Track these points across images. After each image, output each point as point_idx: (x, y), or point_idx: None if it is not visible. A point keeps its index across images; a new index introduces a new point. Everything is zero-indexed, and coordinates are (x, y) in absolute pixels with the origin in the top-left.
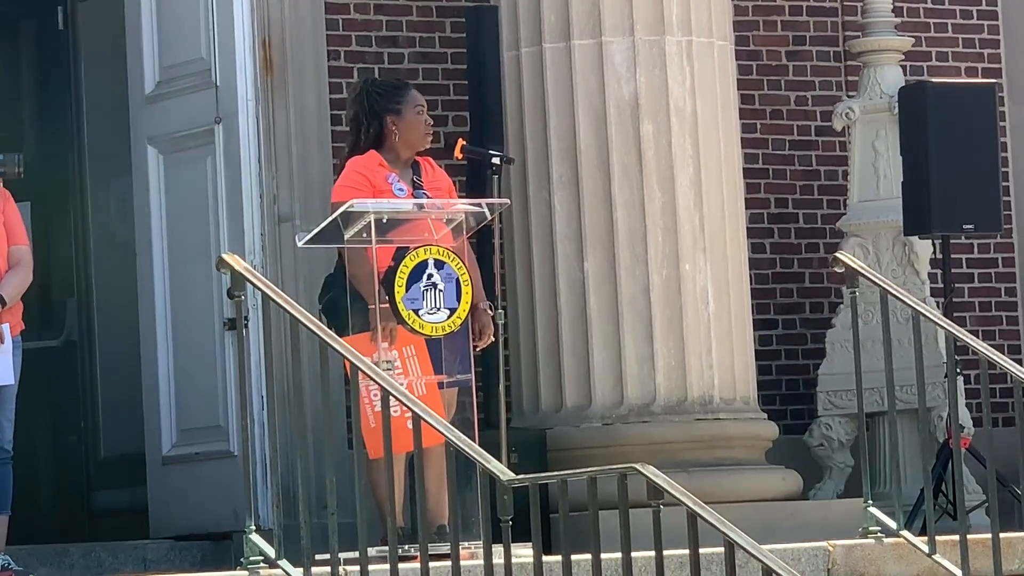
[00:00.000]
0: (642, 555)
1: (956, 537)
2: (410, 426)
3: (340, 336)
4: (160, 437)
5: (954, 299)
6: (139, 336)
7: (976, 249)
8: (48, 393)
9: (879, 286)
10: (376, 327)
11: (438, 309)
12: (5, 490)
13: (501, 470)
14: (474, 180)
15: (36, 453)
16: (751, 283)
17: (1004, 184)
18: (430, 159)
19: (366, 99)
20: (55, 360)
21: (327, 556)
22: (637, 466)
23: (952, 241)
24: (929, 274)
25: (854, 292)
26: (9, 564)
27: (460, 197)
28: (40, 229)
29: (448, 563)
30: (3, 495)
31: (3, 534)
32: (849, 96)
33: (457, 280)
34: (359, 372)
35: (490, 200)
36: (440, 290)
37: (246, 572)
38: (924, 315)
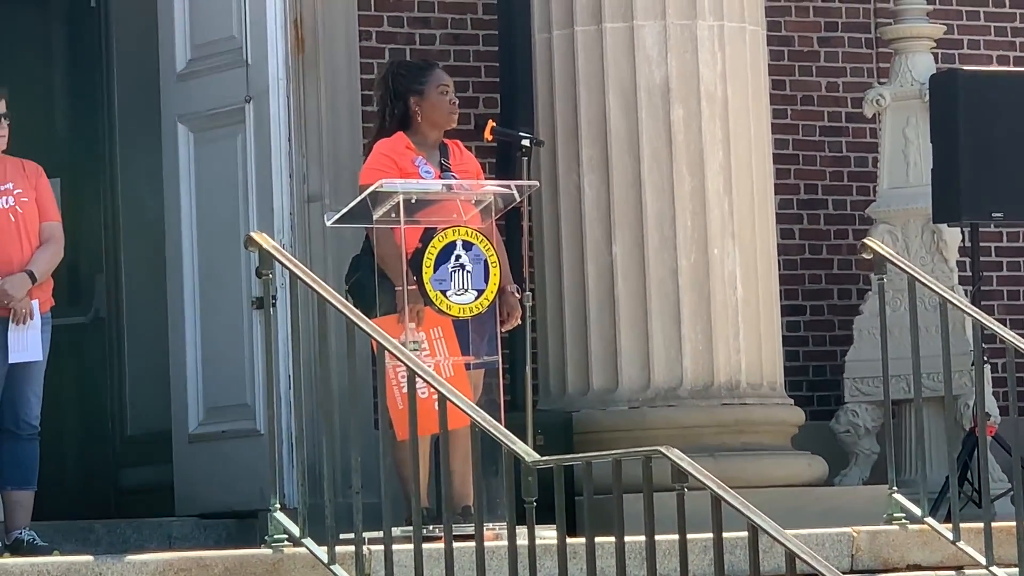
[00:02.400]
0: (666, 538)
1: (981, 525)
2: (437, 407)
3: (368, 316)
4: (187, 415)
5: (982, 287)
6: (167, 314)
7: (1005, 237)
8: (76, 370)
9: (907, 273)
10: (403, 308)
11: (466, 290)
12: (31, 466)
13: (526, 451)
14: (504, 162)
15: (63, 430)
16: (780, 269)
17: None
18: (458, 142)
19: (391, 80)
20: (83, 337)
21: (351, 535)
22: (662, 449)
23: (981, 229)
24: (957, 262)
25: (882, 279)
26: (34, 539)
27: (489, 179)
28: (70, 206)
29: (472, 544)
30: (29, 471)
31: (29, 509)
32: (880, 83)
33: (485, 261)
34: (385, 352)
35: (519, 182)
36: (468, 271)
37: (270, 550)
38: (951, 303)
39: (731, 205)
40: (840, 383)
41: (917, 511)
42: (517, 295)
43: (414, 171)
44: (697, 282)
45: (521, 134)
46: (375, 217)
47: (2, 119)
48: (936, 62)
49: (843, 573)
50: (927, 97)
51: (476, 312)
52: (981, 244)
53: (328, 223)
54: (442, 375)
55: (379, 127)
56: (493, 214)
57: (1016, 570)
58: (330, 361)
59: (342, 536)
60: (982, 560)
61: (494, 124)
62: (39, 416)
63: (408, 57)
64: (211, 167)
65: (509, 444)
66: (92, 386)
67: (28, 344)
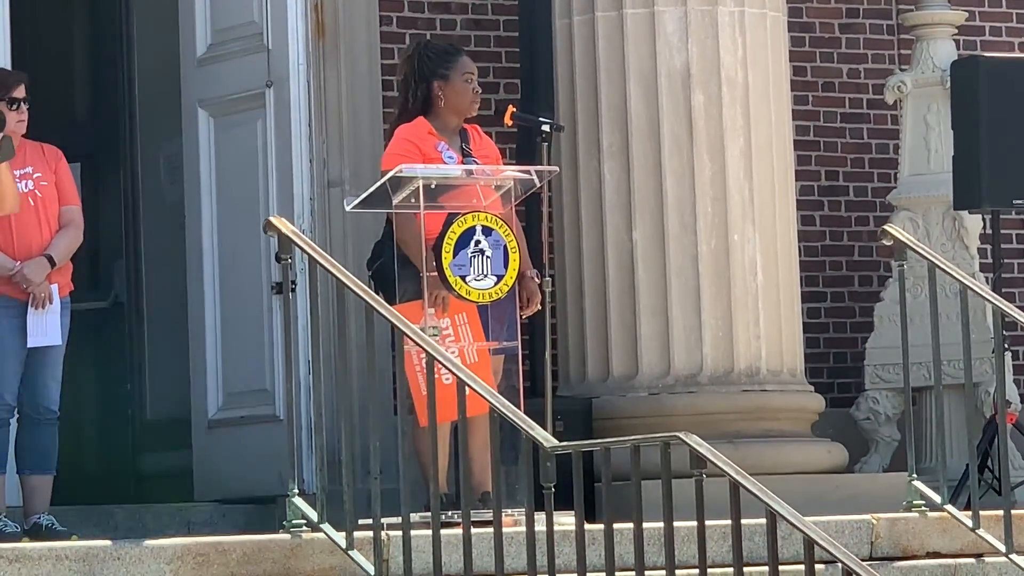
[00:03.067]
0: (684, 525)
1: (1000, 512)
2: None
3: (390, 303)
4: (206, 400)
5: (1003, 275)
6: (187, 299)
7: None
8: (95, 355)
9: (927, 259)
10: (423, 294)
11: (485, 276)
12: (50, 451)
13: (545, 437)
14: (524, 147)
15: (83, 414)
16: (800, 255)
17: None
18: (477, 127)
19: (416, 62)
20: (103, 322)
21: (370, 521)
22: (680, 435)
23: (1002, 216)
24: (979, 249)
25: (902, 265)
26: (53, 524)
27: (509, 164)
28: (90, 191)
29: (490, 529)
30: (49, 455)
31: (48, 494)
32: (901, 69)
33: (504, 247)
34: (408, 338)
35: (539, 167)
36: (488, 256)
37: (288, 535)
38: (972, 289)
39: (751, 191)
40: (861, 370)
41: (937, 498)
42: (537, 280)
43: (437, 156)
44: (717, 268)
45: (541, 119)
46: (395, 202)
47: (21, 104)
48: (958, 49)
49: (862, 560)
50: (948, 84)
51: (495, 298)
52: (1002, 231)
53: (348, 208)
54: (466, 361)
55: (401, 107)
56: (513, 199)
57: None
58: (349, 346)
59: (360, 522)
60: (1002, 548)
61: (514, 109)
62: (58, 401)
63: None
64: (231, 152)
65: (527, 430)
66: (111, 371)
67: (47, 328)
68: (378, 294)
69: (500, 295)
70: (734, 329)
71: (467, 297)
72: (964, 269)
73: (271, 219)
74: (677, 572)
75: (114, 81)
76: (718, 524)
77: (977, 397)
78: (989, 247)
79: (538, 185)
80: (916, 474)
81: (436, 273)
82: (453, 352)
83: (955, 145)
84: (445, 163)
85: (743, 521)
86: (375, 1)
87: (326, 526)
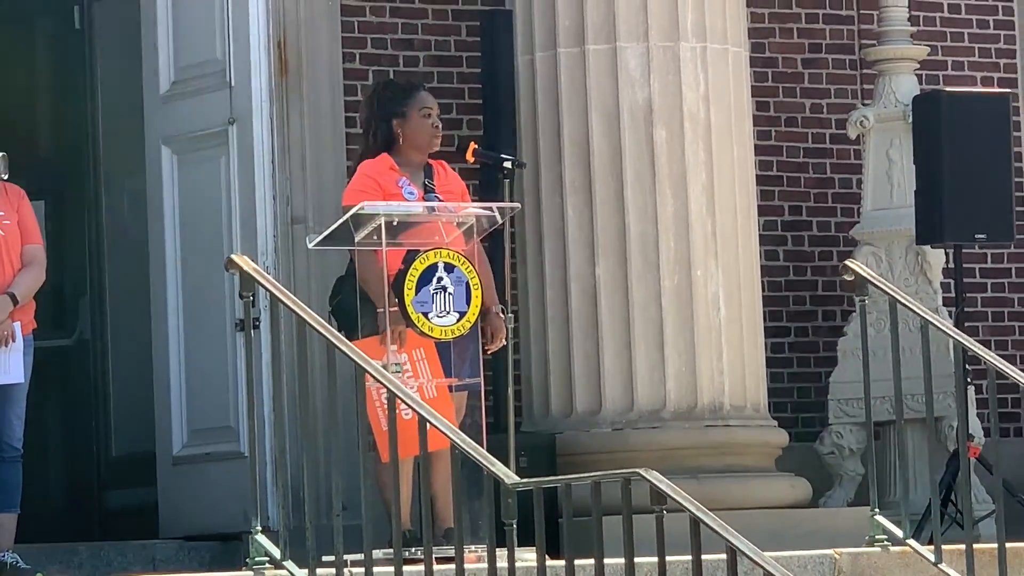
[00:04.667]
0: (646, 560)
1: (963, 547)
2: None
3: (351, 339)
4: (171, 437)
5: (966, 308)
6: (151, 336)
7: (989, 259)
8: (60, 392)
9: (888, 294)
10: (385, 330)
11: (447, 312)
12: (15, 488)
13: (506, 473)
14: (486, 184)
15: (47, 451)
16: (764, 290)
17: (1018, 194)
18: (443, 162)
19: (375, 102)
20: (67, 359)
21: (333, 558)
22: (641, 471)
23: (965, 250)
24: (942, 283)
25: (863, 300)
26: (17, 562)
27: (473, 200)
28: (54, 228)
29: (453, 566)
30: (13, 493)
31: (12, 532)
32: (864, 104)
33: (467, 283)
34: (367, 375)
35: (501, 204)
36: (450, 293)
37: (251, 573)
38: (933, 324)
39: (714, 226)
40: (825, 404)
41: (899, 533)
42: (502, 316)
43: (397, 192)
44: (680, 304)
45: (503, 156)
46: (357, 239)
47: None
48: (920, 83)
49: None
50: (910, 118)
51: (458, 334)
52: (965, 265)
53: (310, 245)
54: (425, 397)
55: (363, 148)
56: (476, 236)
57: None
58: (312, 384)
59: (323, 558)
60: None
61: (476, 146)
62: (22, 438)
63: (394, 80)
64: (195, 189)
65: (489, 466)
66: (76, 408)
67: (10, 367)
68: (339, 330)
69: (463, 331)
70: (697, 364)
71: (429, 334)
72: (927, 303)
73: (233, 257)
74: None
75: (78, 118)
76: (679, 560)
77: (940, 431)
78: (952, 281)
79: (500, 221)
80: (879, 508)
81: (396, 309)
82: (412, 388)
83: (917, 179)
84: (405, 199)
85: (704, 557)
86: (338, 38)
87: (289, 563)
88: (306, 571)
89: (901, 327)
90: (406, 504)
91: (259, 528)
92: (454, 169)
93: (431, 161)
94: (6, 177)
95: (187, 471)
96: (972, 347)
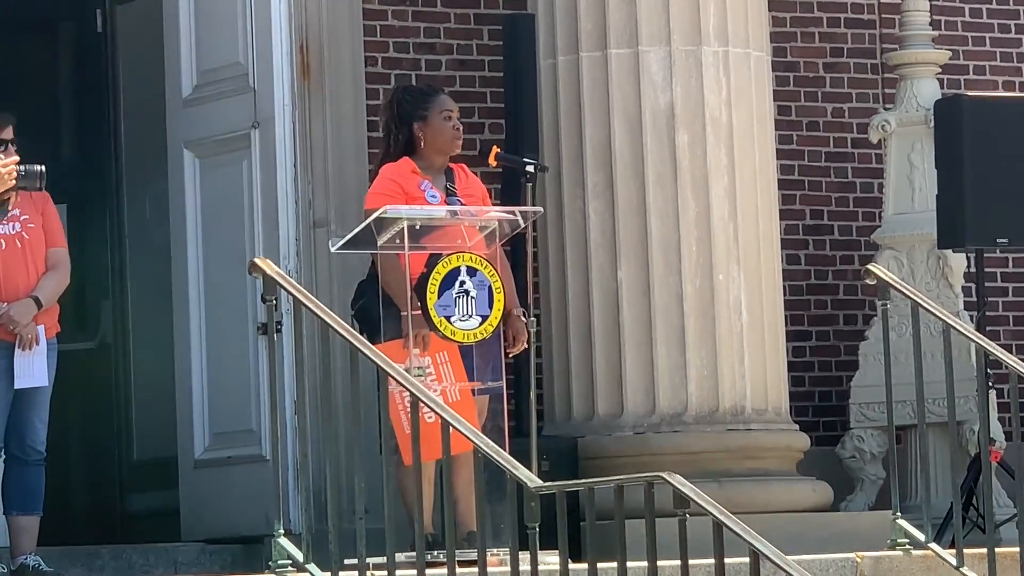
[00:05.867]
0: (668, 564)
1: (984, 551)
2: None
3: (373, 342)
4: (193, 440)
5: (988, 313)
6: (173, 339)
7: (1011, 263)
8: (82, 395)
9: (910, 299)
10: (408, 334)
11: (470, 316)
12: (37, 491)
13: (529, 477)
14: (509, 188)
15: (69, 455)
16: (785, 294)
17: None
18: (464, 166)
19: (396, 106)
20: (89, 363)
21: (355, 561)
22: (663, 475)
23: (986, 255)
24: (963, 287)
25: (885, 304)
26: (40, 565)
27: (494, 204)
28: (76, 232)
29: (475, 570)
30: (35, 496)
31: (35, 535)
32: (886, 108)
33: (489, 287)
34: (389, 378)
35: (524, 208)
36: (472, 297)
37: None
38: (955, 328)
39: (736, 231)
40: (846, 408)
41: (921, 537)
42: (523, 319)
43: (420, 195)
44: (702, 308)
45: (525, 160)
46: (379, 243)
47: (9, 145)
48: (941, 87)
49: None
50: (932, 123)
51: (480, 338)
52: (986, 270)
53: (333, 249)
54: (448, 400)
55: (384, 152)
56: (498, 239)
57: None
58: (334, 387)
59: (346, 562)
60: None
61: (498, 150)
62: (45, 442)
63: (414, 82)
64: (217, 193)
65: (511, 470)
66: (98, 411)
67: (34, 370)
68: (362, 334)
69: (485, 335)
70: (719, 368)
71: (452, 337)
72: (948, 308)
73: (256, 260)
74: None
75: (100, 122)
76: (702, 563)
77: (962, 435)
78: (973, 285)
79: (523, 225)
80: (900, 512)
81: (419, 312)
82: (436, 392)
83: (939, 184)
84: (428, 202)
85: (727, 560)
86: (360, 42)
87: (312, 566)
88: (328, 575)
89: (923, 331)
90: (428, 508)
91: (281, 531)
92: (475, 173)
93: (452, 165)
94: (41, 187)
95: (209, 474)
96: (994, 351)
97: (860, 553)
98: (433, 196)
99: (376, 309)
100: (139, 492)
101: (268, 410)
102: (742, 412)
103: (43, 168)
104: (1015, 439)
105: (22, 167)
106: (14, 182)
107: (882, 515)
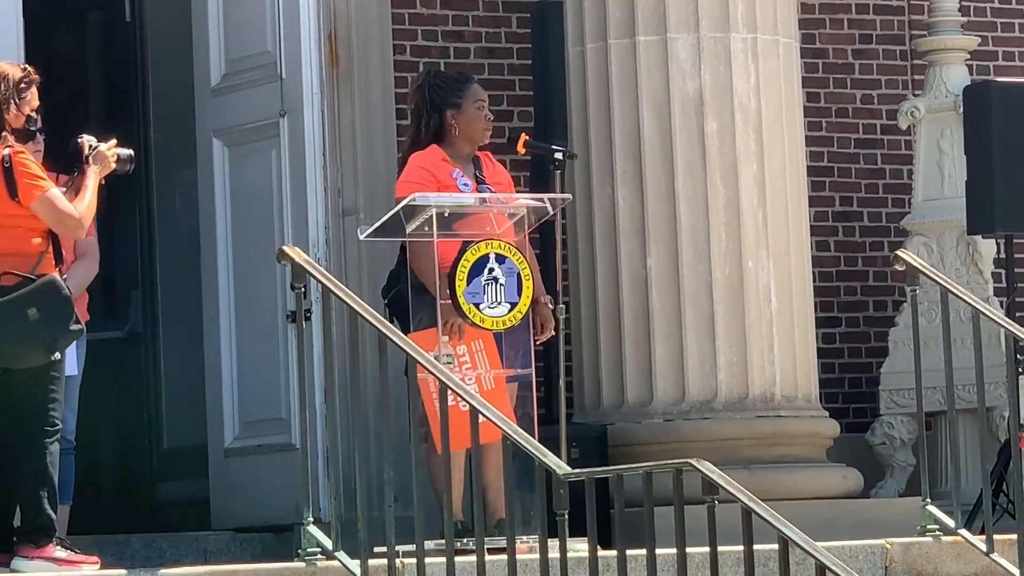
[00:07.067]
0: (697, 551)
1: (1015, 536)
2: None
3: (407, 331)
4: (223, 429)
5: (1017, 298)
6: (203, 328)
7: None
8: (112, 384)
9: (939, 284)
10: (439, 321)
11: (499, 303)
12: (68, 480)
13: (557, 464)
14: (537, 175)
15: (99, 444)
16: (815, 281)
17: None
18: (489, 154)
19: (427, 91)
20: (119, 352)
21: (385, 549)
22: (692, 461)
23: (1016, 240)
24: (993, 273)
25: (914, 290)
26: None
27: (523, 192)
28: (106, 220)
29: (505, 557)
30: (66, 485)
31: (65, 524)
32: (915, 95)
33: (518, 274)
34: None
35: (552, 195)
36: (501, 284)
37: (303, 564)
38: (984, 314)
39: (765, 218)
40: (876, 395)
41: (951, 523)
42: (550, 306)
43: (452, 183)
44: (731, 295)
45: (554, 147)
46: (408, 230)
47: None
48: (970, 74)
49: None
50: (961, 109)
51: (509, 325)
52: (1016, 255)
53: (361, 237)
54: (483, 387)
55: (413, 137)
56: (526, 227)
57: None
58: (363, 375)
59: (375, 549)
60: (1016, 572)
61: (527, 137)
62: (75, 431)
63: (444, 70)
64: (246, 181)
65: (540, 457)
66: (128, 400)
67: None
68: (393, 322)
69: (514, 322)
70: (748, 355)
71: (481, 325)
72: (978, 293)
73: (284, 248)
74: None
75: (129, 112)
76: (731, 550)
77: (991, 421)
78: (1003, 271)
79: (552, 213)
80: (930, 499)
81: (448, 301)
82: (470, 379)
83: (968, 170)
84: (460, 190)
85: (756, 547)
86: (388, 30)
87: (341, 554)
88: (358, 562)
89: (952, 317)
90: (458, 495)
91: (311, 519)
92: (502, 162)
93: (478, 153)
94: (130, 170)
95: (239, 463)
96: (1023, 337)
97: (890, 540)
98: (465, 184)
99: (408, 297)
100: (169, 481)
101: (297, 398)
102: (772, 399)
103: (132, 152)
104: None
105: (120, 151)
106: (115, 165)
107: (912, 501)
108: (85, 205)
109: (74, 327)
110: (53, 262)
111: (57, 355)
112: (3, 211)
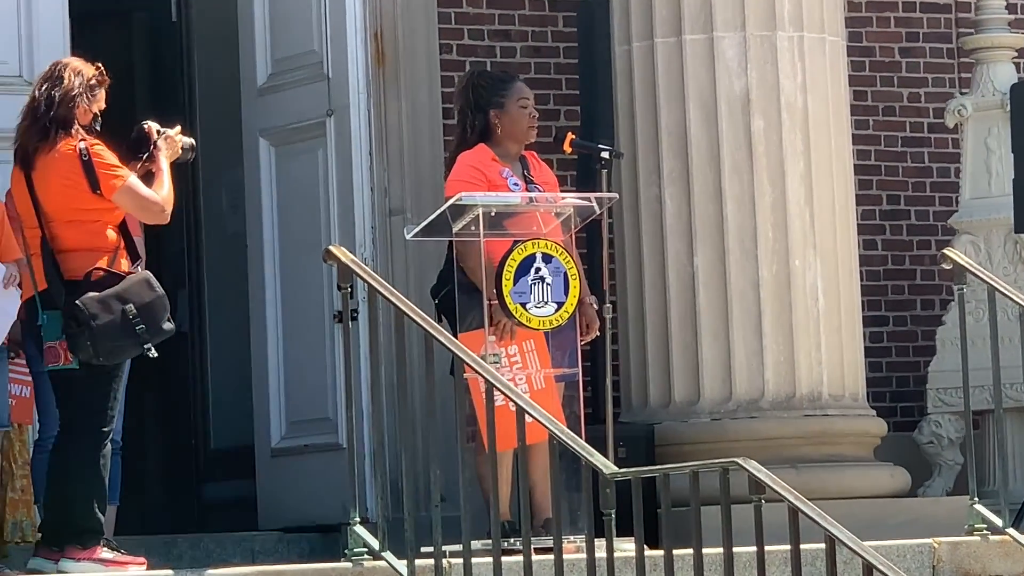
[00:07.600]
0: (744, 550)
1: None
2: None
3: (457, 332)
4: (269, 429)
5: None
6: (249, 328)
7: None
8: (159, 385)
9: (986, 283)
10: (487, 321)
11: (545, 303)
12: (115, 481)
13: (604, 463)
14: (584, 174)
15: (146, 444)
16: (862, 280)
17: None
18: (535, 154)
19: (471, 92)
20: (166, 352)
21: (431, 549)
22: (739, 460)
23: None
24: None
25: (962, 289)
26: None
27: (569, 191)
28: None
29: (552, 557)
30: (113, 486)
31: (111, 524)
32: (962, 93)
33: (565, 274)
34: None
35: (599, 194)
36: (548, 284)
37: (350, 564)
38: None
39: (812, 216)
40: (923, 394)
41: (999, 522)
42: (595, 307)
43: (502, 182)
44: (778, 293)
45: (601, 146)
46: (455, 230)
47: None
48: (1018, 71)
49: None
50: (1008, 107)
51: (556, 324)
52: None
53: (408, 236)
54: (534, 387)
55: (459, 138)
56: (573, 227)
57: None
58: (410, 375)
59: (422, 549)
60: None
61: (574, 136)
62: (122, 431)
63: (489, 70)
64: (293, 181)
65: (587, 456)
66: (175, 401)
67: None
68: (442, 322)
69: (560, 322)
70: (796, 354)
71: (527, 324)
72: None
73: (331, 248)
74: None
75: (175, 111)
76: (778, 549)
77: None
78: None
79: (598, 212)
80: (978, 498)
81: (496, 302)
82: (521, 379)
83: (1016, 168)
84: (511, 189)
85: (803, 546)
86: (435, 29)
87: (388, 554)
88: (405, 562)
89: (1000, 316)
90: (505, 495)
91: (358, 519)
92: (548, 162)
93: (524, 152)
94: (191, 159)
95: (285, 463)
96: None
97: (937, 539)
98: (516, 184)
99: (461, 297)
100: (216, 481)
101: (344, 398)
102: (819, 398)
103: (193, 141)
104: None
105: (184, 138)
106: (180, 152)
107: (959, 500)
108: (166, 190)
109: (166, 325)
110: (128, 257)
111: (153, 352)
112: (84, 205)
